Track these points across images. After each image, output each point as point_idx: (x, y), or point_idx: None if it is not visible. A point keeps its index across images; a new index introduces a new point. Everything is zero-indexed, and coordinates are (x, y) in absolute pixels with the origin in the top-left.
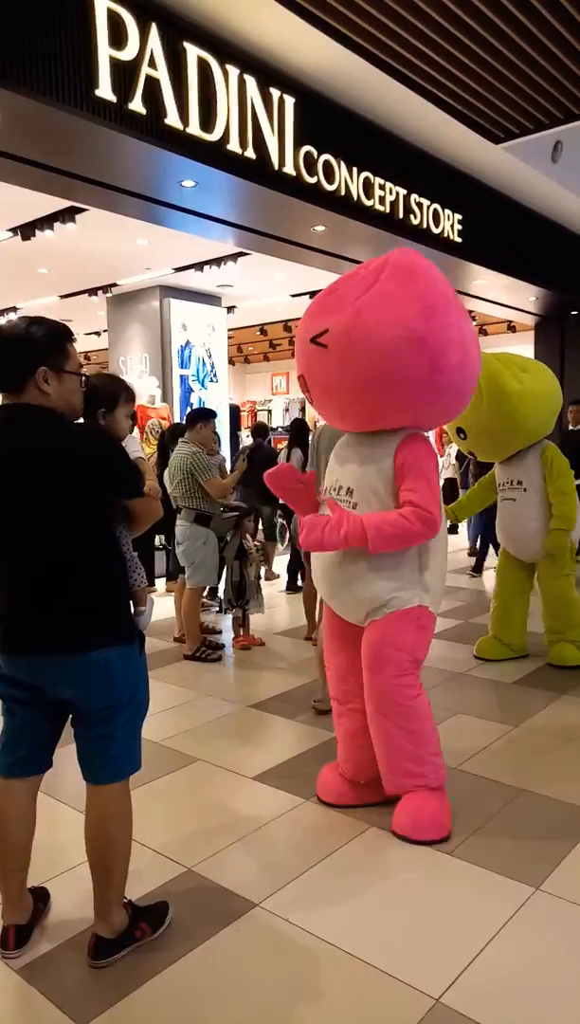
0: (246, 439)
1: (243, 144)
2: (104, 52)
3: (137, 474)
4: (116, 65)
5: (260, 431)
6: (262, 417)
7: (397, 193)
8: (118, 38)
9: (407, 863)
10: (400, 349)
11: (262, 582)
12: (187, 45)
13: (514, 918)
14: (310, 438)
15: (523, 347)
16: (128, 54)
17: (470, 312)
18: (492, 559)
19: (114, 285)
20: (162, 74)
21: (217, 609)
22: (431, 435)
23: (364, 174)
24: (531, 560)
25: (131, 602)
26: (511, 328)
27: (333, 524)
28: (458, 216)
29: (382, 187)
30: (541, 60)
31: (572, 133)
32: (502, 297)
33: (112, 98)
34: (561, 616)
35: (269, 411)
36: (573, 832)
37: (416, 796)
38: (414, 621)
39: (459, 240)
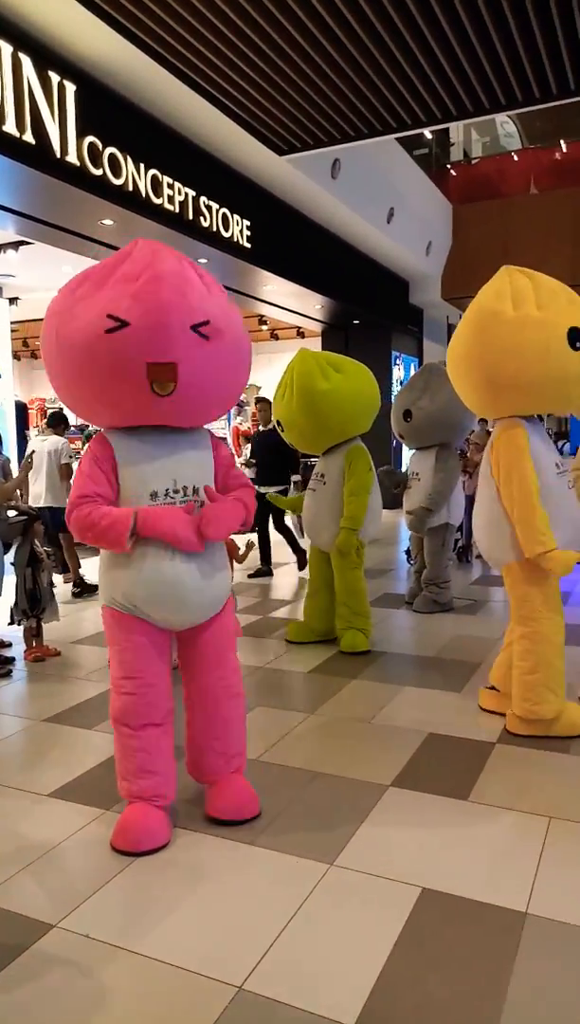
0: (35, 438)
1: (20, 127)
2: None
3: None
4: None
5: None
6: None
7: (186, 194)
8: None
9: (208, 859)
10: (246, 353)
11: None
12: None
13: (311, 896)
14: None
15: None
16: None
17: (261, 317)
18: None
19: None
20: None
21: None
22: (229, 437)
23: (152, 171)
24: (325, 550)
25: None
26: (300, 334)
27: (234, 507)
28: (247, 222)
29: (171, 186)
30: (319, 81)
31: (349, 153)
32: (291, 303)
33: None
34: (349, 605)
35: (61, 407)
36: (363, 807)
37: (230, 780)
38: (231, 603)
39: (248, 246)
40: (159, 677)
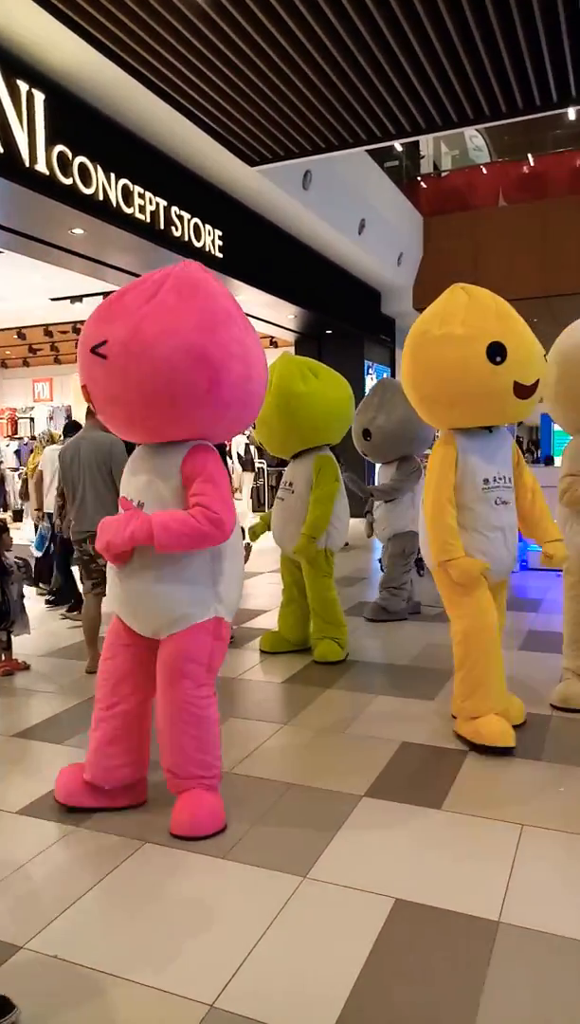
0: (5, 447)
1: None
2: None
3: None
4: None
5: None
6: (24, 426)
7: (157, 204)
8: None
9: (180, 874)
10: (179, 362)
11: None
12: None
13: (284, 910)
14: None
15: None
16: None
17: None
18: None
19: None
20: None
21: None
22: None
23: (123, 181)
24: (294, 559)
25: None
26: (273, 343)
27: (120, 522)
28: (218, 232)
29: (142, 196)
30: (289, 93)
31: (320, 164)
32: (264, 313)
33: None
34: (321, 614)
35: (32, 419)
36: (337, 818)
37: (191, 795)
38: (210, 633)
39: (220, 256)
40: (116, 666)
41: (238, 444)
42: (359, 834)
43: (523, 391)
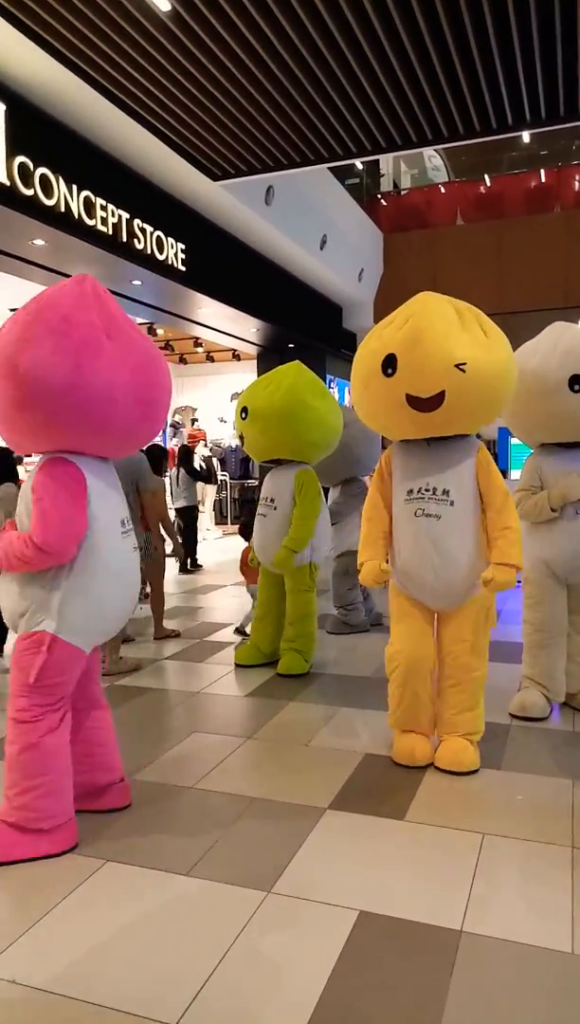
0: None
1: None
2: None
3: None
4: None
5: None
6: None
7: (120, 216)
8: None
9: (142, 892)
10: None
11: None
12: None
13: (248, 926)
14: None
15: (247, 375)
16: None
17: (197, 339)
18: None
19: None
20: None
21: None
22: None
23: (85, 193)
24: (277, 573)
25: None
26: (236, 356)
27: None
28: (181, 245)
29: (104, 208)
30: (252, 110)
31: (283, 180)
32: (226, 326)
33: None
34: (296, 627)
35: None
36: (301, 830)
37: None
38: (36, 645)
39: (183, 268)
40: None
41: (198, 457)
42: (323, 847)
43: (418, 404)
